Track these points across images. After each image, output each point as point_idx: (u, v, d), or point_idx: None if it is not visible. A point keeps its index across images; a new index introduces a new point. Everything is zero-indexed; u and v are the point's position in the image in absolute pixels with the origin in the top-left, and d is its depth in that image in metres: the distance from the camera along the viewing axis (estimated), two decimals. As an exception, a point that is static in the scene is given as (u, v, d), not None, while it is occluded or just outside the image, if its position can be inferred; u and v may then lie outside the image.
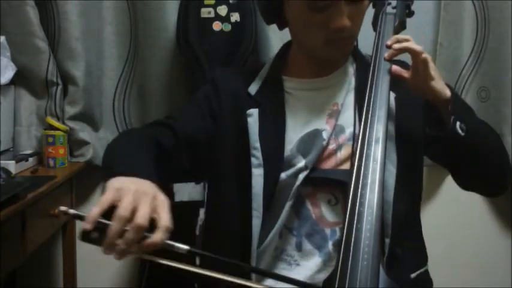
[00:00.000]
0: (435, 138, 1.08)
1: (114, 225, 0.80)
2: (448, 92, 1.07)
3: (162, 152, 1.10)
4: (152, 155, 1.05)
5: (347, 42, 1.12)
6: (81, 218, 0.81)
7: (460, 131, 1.04)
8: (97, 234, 0.80)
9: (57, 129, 1.88)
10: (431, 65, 1.05)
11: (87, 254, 2.02)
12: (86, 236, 0.81)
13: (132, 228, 0.80)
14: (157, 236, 0.80)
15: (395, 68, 1.09)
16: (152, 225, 0.82)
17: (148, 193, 0.84)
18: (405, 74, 1.09)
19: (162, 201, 0.85)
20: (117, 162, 0.97)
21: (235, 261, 0.92)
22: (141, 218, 0.80)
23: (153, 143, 1.10)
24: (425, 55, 1.05)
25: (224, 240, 1.15)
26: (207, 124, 1.16)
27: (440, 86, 1.07)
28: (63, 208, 0.84)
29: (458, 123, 1.05)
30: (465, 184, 1.20)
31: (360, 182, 0.96)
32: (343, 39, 1.09)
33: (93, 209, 0.81)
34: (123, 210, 0.80)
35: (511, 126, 2.00)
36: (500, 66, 2.04)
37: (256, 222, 1.08)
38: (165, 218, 0.82)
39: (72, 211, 0.83)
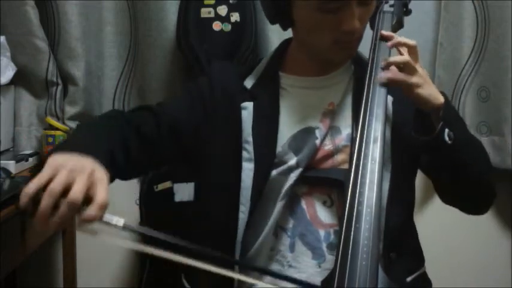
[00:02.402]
0: (422, 144, 1.06)
1: (44, 199, 0.79)
2: (440, 99, 1.04)
3: (142, 139, 1.09)
4: (116, 139, 1.05)
5: (355, 44, 1.10)
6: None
7: (447, 139, 1.02)
8: (32, 209, 0.81)
9: (57, 129, 1.88)
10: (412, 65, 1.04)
11: (87, 254, 2.03)
12: (22, 211, 0.82)
13: (65, 204, 0.80)
14: (90, 211, 0.80)
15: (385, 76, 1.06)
16: (90, 201, 0.82)
17: (85, 169, 0.83)
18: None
19: (100, 177, 0.84)
20: (67, 141, 0.97)
21: (177, 239, 0.87)
22: (74, 193, 0.80)
23: (131, 129, 1.09)
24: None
25: (209, 231, 1.15)
26: (195, 114, 1.15)
27: (428, 92, 1.04)
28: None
29: (446, 131, 1.02)
30: (446, 198, 1.18)
31: (358, 181, 0.96)
32: (351, 41, 1.07)
33: (30, 185, 0.81)
34: (54, 185, 0.80)
35: (511, 126, 2.00)
36: (500, 66, 2.03)
37: (242, 216, 1.07)
38: (101, 194, 0.81)
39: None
